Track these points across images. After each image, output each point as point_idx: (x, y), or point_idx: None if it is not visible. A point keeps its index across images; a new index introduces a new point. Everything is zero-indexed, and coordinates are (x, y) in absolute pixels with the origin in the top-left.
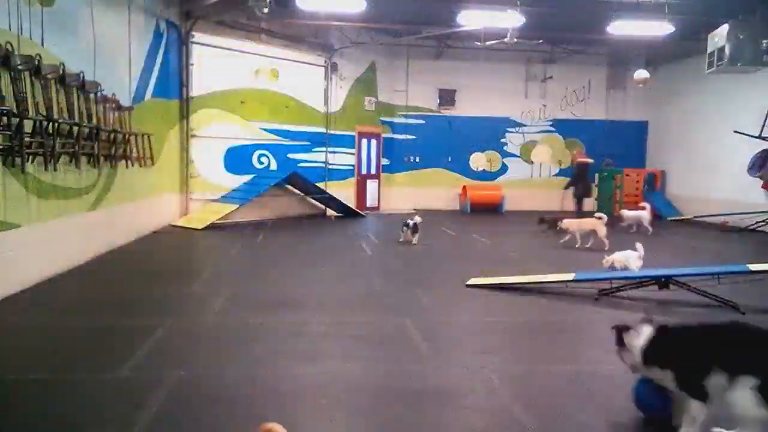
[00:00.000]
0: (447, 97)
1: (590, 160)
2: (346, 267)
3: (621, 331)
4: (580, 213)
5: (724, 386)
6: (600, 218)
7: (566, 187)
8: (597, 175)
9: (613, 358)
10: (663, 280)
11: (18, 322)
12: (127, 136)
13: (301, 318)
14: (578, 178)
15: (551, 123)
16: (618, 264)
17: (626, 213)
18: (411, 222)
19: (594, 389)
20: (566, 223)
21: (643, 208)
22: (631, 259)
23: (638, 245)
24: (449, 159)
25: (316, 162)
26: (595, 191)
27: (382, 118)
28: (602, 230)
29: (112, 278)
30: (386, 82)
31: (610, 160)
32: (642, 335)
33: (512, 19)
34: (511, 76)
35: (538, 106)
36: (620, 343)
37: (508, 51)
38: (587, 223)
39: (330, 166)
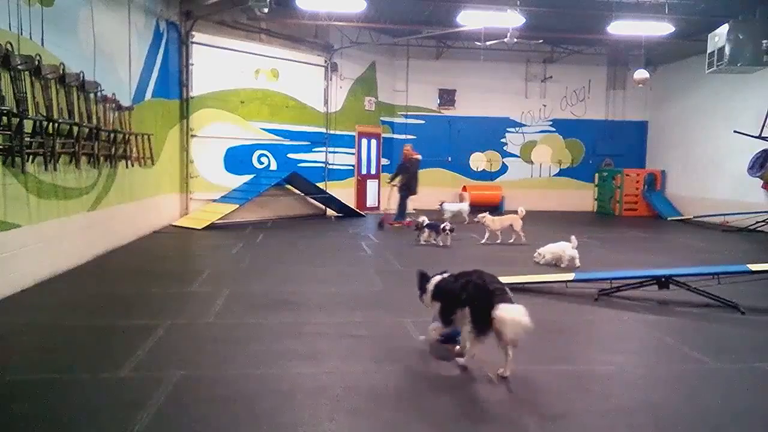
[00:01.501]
0: (447, 97)
1: (419, 156)
2: (346, 267)
3: (422, 278)
4: (401, 210)
5: (464, 316)
6: (519, 213)
7: (395, 183)
8: (597, 175)
9: (613, 358)
10: (663, 280)
11: (18, 322)
12: (126, 136)
13: (301, 318)
14: (404, 172)
15: (551, 123)
16: (550, 256)
17: (446, 206)
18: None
19: (594, 389)
20: (488, 219)
21: (463, 200)
22: (566, 250)
23: (573, 237)
24: (449, 159)
25: (316, 162)
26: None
27: (382, 118)
28: (518, 224)
29: (112, 278)
30: (386, 82)
31: (609, 160)
32: (432, 282)
33: (512, 19)
34: (511, 76)
35: (538, 106)
36: (421, 288)
37: (508, 51)
38: (507, 219)
39: (330, 166)
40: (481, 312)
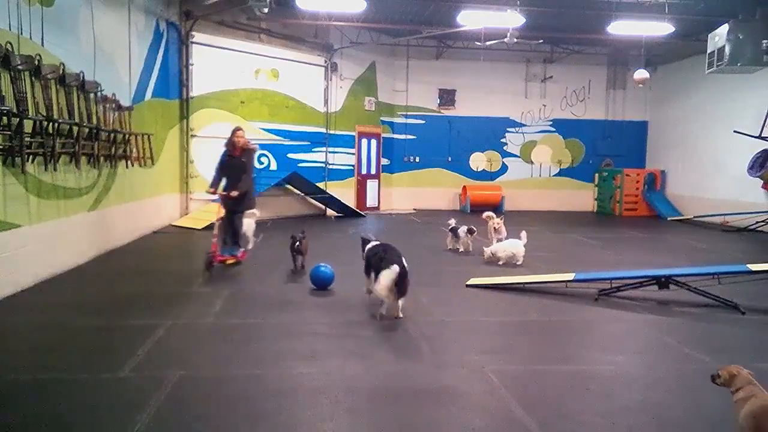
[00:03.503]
0: (447, 97)
1: (256, 147)
2: (345, 267)
3: (363, 242)
4: (237, 233)
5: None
6: (489, 217)
7: (234, 191)
8: (597, 175)
9: (613, 358)
10: (663, 280)
11: (18, 322)
12: (126, 136)
13: (302, 318)
14: (235, 169)
15: (551, 123)
16: (502, 254)
17: (244, 220)
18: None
19: (594, 389)
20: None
21: (254, 215)
22: (518, 249)
23: (523, 234)
24: (449, 159)
25: (316, 162)
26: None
27: (382, 118)
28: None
29: (112, 278)
30: (386, 82)
31: (609, 160)
32: (367, 247)
33: (512, 19)
34: (511, 76)
35: (538, 106)
36: (363, 248)
37: (508, 51)
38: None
39: (330, 166)
40: (377, 273)
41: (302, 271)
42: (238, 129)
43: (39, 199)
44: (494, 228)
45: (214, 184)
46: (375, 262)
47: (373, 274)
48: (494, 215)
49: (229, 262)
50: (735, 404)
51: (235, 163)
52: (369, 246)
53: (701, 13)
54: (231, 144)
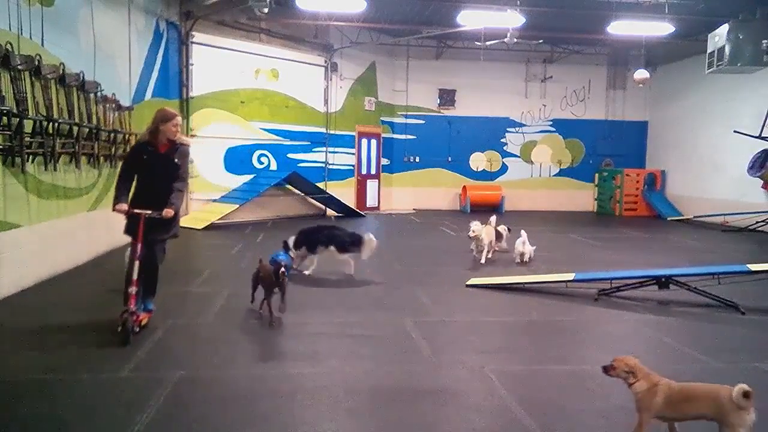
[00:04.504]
0: (447, 97)
1: (189, 142)
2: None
3: (285, 244)
4: (154, 278)
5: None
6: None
7: (168, 209)
8: (597, 175)
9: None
10: (663, 280)
11: (18, 322)
12: (127, 135)
13: (302, 318)
14: (163, 172)
15: (551, 123)
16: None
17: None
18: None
19: (594, 389)
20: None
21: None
22: (517, 246)
23: (523, 232)
24: (449, 159)
25: (316, 162)
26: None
27: (382, 118)
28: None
29: (112, 278)
30: (386, 82)
31: (609, 160)
32: (290, 240)
33: (512, 19)
34: (511, 76)
35: (538, 106)
36: (286, 247)
37: (508, 51)
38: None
39: (330, 166)
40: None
41: (277, 322)
42: (174, 114)
43: (39, 199)
44: (471, 235)
45: (122, 196)
46: (314, 239)
47: (331, 249)
48: (475, 223)
49: (144, 321)
50: (638, 395)
51: (162, 162)
52: (291, 240)
53: (701, 13)
54: (155, 133)
